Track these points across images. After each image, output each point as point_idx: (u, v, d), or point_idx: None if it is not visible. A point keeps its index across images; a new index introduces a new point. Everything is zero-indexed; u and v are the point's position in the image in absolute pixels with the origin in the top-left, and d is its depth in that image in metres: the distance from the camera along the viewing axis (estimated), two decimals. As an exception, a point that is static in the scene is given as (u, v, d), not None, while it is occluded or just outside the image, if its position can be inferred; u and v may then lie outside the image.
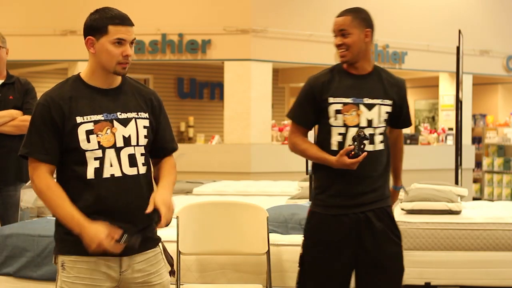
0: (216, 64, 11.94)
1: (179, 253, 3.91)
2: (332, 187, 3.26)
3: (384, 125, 3.30)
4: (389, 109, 3.30)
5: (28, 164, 2.64)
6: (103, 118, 2.59)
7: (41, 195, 2.58)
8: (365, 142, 3.13)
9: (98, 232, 2.48)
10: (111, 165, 2.58)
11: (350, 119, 3.23)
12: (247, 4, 10.49)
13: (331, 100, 3.25)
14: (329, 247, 3.24)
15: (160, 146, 2.78)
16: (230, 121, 10.43)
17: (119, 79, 2.70)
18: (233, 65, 10.47)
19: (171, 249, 4.03)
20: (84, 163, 2.57)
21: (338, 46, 3.29)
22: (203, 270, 4.14)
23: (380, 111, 3.27)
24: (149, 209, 2.58)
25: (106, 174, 2.57)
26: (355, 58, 3.28)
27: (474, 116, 13.83)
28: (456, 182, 8.48)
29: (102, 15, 2.63)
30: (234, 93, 10.42)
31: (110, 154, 2.59)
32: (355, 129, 3.21)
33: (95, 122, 2.58)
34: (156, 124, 2.75)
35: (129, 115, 2.65)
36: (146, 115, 2.70)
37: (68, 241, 2.58)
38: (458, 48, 8.87)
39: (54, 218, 2.67)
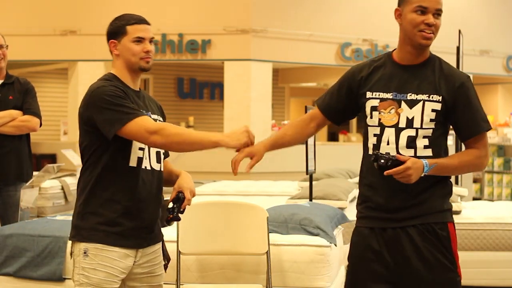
0: (216, 64, 11.94)
1: (179, 253, 3.91)
2: (371, 199, 2.80)
3: (431, 126, 2.74)
4: (437, 106, 2.72)
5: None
6: (145, 114, 2.81)
7: (177, 136, 2.71)
8: (380, 165, 2.63)
9: (238, 132, 2.79)
10: (146, 158, 2.82)
11: (387, 118, 2.75)
12: (247, 4, 10.49)
13: (368, 95, 2.80)
14: (363, 263, 2.81)
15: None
16: (230, 121, 10.43)
17: (138, 84, 2.92)
18: (233, 65, 10.48)
19: (171, 249, 4.04)
20: (129, 152, 2.77)
21: (428, 26, 2.74)
22: (203, 270, 4.14)
23: (424, 109, 2.72)
24: (172, 196, 2.87)
25: (143, 164, 2.80)
26: None
27: (474, 116, 13.82)
28: (456, 182, 8.48)
29: (120, 19, 2.89)
30: (234, 93, 10.42)
31: (146, 148, 2.82)
32: (392, 130, 2.74)
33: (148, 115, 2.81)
34: None
35: (154, 116, 2.89)
36: (161, 119, 2.97)
37: (99, 230, 2.75)
38: (458, 48, 8.87)
39: (79, 208, 2.80)
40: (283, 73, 14.61)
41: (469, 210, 5.86)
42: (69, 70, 11.24)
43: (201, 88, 13.95)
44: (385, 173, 2.63)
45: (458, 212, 5.57)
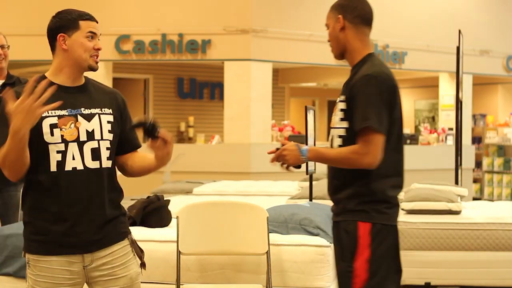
0: (216, 64, 11.94)
1: (179, 253, 3.91)
2: None
3: (341, 126, 2.92)
4: (343, 105, 2.92)
5: None
6: (67, 113, 2.66)
7: (2, 160, 2.53)
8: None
9: (14, 107, 2.44)
10: (73, 159, 2.64)
11: (333, 120, 3.00)
12: (247, 4, 10.49)
13: None
14: None
15: (127, 141, 2.85)
16: (230, 121, 10.43)
17: (82, 79, 2.78)
18: (233, 65, 10.48)
19: (171, 249, 4.04)
20: (47, 156, 2.63)
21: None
22: (203, 270, 4.15)
23: (337, 109, 2.95)
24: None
25: (68, 167, 2.64)
26: (339, 52, 3.07)
27: (474, 116, 13.84)
28: (456, 182, 8.48)
29: (70, 13, 2.73)
30: (234, 93, 10.42)
31: (73, 147, 2.65)
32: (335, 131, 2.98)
33: (59, 116, 2.65)
34: (122, 120, 2.83)
35: (93, 110, 2.72)
36: (110, 111, 2.77)
37: (33, 240, 2.67)
38: (458, 48, 8.87)
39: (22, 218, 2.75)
40: (283, 73, 14.61)
41: (469, 210, 5.86)
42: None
43: (201, 88, 13.94)
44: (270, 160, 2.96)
45: (458, 212, 5.58)
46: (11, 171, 2.57)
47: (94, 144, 2.68)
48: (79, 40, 2.69)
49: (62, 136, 2.63)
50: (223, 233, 4.03)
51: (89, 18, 2.74)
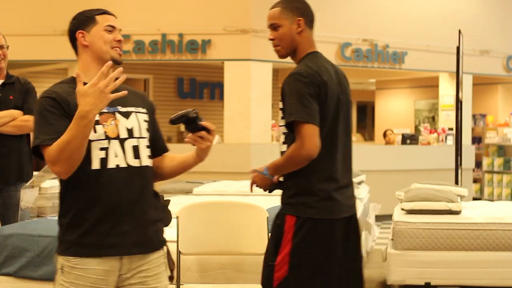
0: (216, 64, 11.94)
1: (179, 253, 3.91)
2: None
3: (282, 124, 3.05)
4: (281, 104, 3.07)
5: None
6: (106, 110, 2.56)
7: (58, 152, 2.43)
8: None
9: (85, 88, 2.41)
10: (116, 156, 2.57)
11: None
12: (247, 4, 10.49)
13: None
14: None
15: (157, 144, 2.80)
16: (230, 121, 10.43)
17: None
18: (233, 65, 10.47)
19: (171, 249, 4.04)
20: (89, 154, 2.52)
21: (271, 41, 3.15)
22: (203, 270, 4.15)
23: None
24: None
25: (111, 164, 2.55)
26: (289, 52, 3.19)
27: (474, 116, 13.84)
28: (456, 182, 8.48)
29: (86, 12, 2.73)
30: (234, 93, 10.42)
31: (115, 145, 2.58)
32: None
33: (100, 113, 2.53)
34: (153, 122, 2.79)
35: (129, 109, 2.67)
36: (145, 110, 2.74)
37: (72, 242, 2.55)
38: (458, 48, 8.87)
39: (57, 218, 2.64)
40: (283, 73, 14.60)
41: (469, 210, 5.86)
42: (69, 70, 11.24)
43: (201, 88, 13.95)
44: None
45: (458, 212, 5.57)
46: (67, 164, 2.44)
47: (134, 141, 2.61)
48: (98, 34, 2.66)
49: (105, 132, 2.56)
50: (223, 233, 4.03)
51: (105, 12, 2.73)
